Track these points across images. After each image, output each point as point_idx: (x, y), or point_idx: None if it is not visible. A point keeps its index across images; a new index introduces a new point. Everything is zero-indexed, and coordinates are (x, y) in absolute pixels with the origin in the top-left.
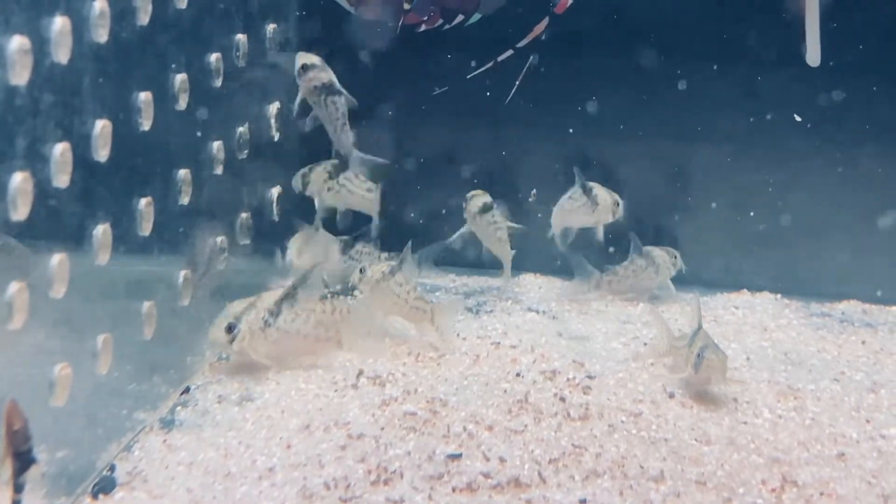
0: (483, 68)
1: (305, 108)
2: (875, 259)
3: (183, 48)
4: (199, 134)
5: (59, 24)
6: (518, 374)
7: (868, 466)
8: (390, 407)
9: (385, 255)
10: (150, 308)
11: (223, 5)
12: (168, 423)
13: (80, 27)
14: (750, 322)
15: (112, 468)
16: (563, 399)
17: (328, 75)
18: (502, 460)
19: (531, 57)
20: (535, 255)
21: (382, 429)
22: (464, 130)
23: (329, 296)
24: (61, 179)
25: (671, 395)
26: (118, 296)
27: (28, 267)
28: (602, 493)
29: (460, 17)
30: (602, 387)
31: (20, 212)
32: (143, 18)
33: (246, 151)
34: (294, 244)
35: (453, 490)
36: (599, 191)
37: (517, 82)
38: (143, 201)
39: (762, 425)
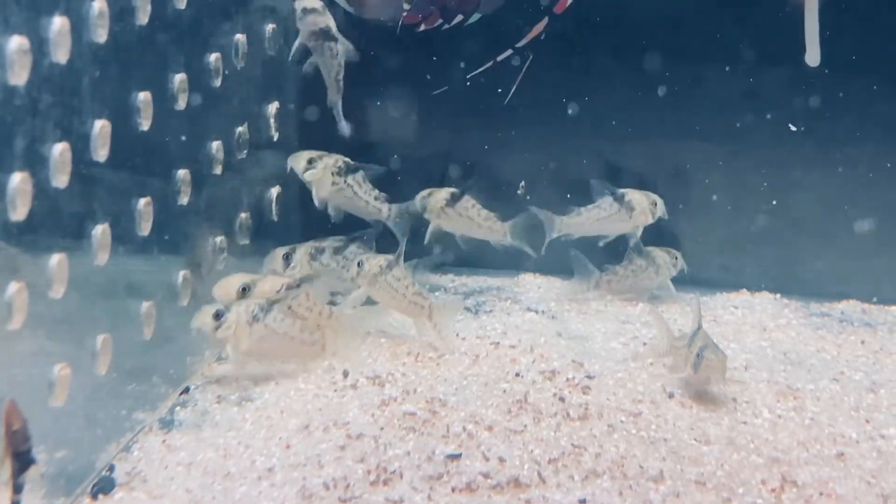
0: (483, 68)
1: (304, 55)
2: (875, 259)
3: (182, 48)
4: (198, 134)
5: (58, 24)
6: (517, 374)
7: (867, 466)
8: (390, 407)
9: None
10: (150, 308)
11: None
12: (167, 424)
13: (79, 27)
14: (749, 322)
15: (111, 468)
16: (562, 399)
17: (327, 20)
18: (502, 460)
19: (530, 57)
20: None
21: (382, 429)
22: (459, 130)
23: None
24: (60, 179)
25: (670, 395)
26: (117, 296)
27: (15, 267)
28: (601, 493)
29: (460, 17)
30: (601, 387)
31: (19, 212)
32: (143, 18)
33: (245, 151)
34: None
35: (453, 490)
36: (633, 195)
37: (516, 83)
38: (143, 201)
39: (762, 425)
